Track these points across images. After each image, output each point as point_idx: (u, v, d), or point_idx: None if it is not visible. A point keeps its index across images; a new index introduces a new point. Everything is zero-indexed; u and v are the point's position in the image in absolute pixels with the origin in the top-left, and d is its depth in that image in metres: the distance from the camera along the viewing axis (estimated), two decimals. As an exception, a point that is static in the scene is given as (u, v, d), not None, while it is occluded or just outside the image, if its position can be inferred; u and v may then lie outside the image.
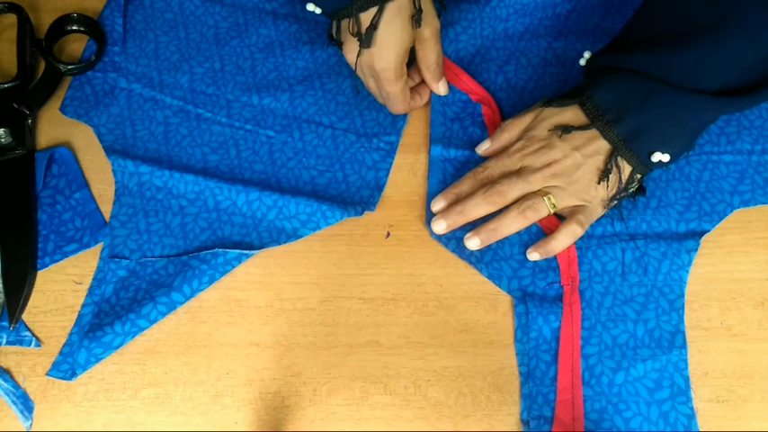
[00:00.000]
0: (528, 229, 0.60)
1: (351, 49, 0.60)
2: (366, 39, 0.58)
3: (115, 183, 0.61)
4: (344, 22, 0.59)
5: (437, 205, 0.60)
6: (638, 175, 0.58)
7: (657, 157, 0.56)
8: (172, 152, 0.63)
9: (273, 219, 0.60)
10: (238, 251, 0.58)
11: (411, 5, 0.58)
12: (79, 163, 0.62)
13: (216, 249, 0.58)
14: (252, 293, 0.58)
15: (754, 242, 0.60)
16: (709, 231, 0.60)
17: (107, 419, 0.54)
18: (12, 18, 0.67)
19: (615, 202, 0.59)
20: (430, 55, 0.62)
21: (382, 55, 0.58)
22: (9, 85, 0.63)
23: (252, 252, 0.58)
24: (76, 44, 0.68)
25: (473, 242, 0.58)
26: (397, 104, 0.63)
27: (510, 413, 0.54)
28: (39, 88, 0.64)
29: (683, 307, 0.57)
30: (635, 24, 0.58)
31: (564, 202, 0.57)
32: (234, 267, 0.58)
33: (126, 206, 0.60)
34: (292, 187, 0.61)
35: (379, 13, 0.57)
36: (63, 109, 0.64)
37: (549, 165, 0.57)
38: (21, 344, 0.55)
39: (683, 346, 0.56)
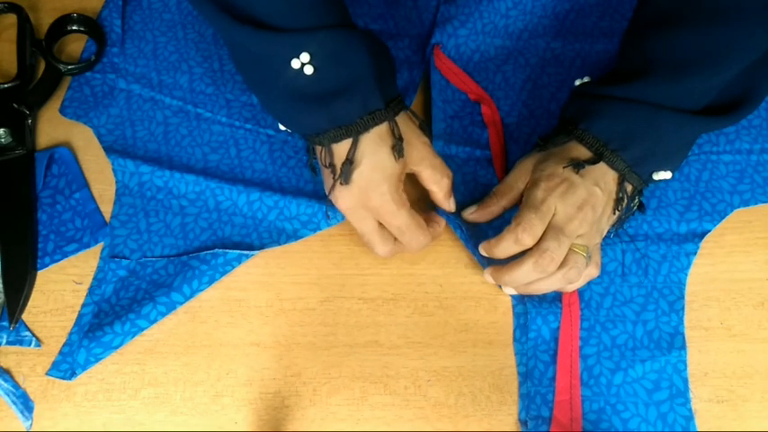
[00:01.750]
0: None
1: (327, 178, 0.55)
2: (343, 174, 0.52)
3: (116, 182, 0.61)
4: (318, 149, 0.55)
5: (488, 273, 0.57)
6: (638, 193, 0.57)
7: (660, 175, 0.56)
8: (172, 152, 0.63)
9: (274, 219, 0.60)
10: (238, 252, 0.58)
11: (390, 135, 0.53)
12: (79, 163, 0.62)
13: (216, 250, 0.58)
14: (252, 293, 0.58)
15: (754, 242, 0.60)
16: (710, 231, 0.60)
17: (107, 419, 0.54)
18: (12, 18, 0.67)
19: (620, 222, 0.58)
20: (434, 174, 0.56)
21: (373, 190, 0.52)
22: (9, 85, 0.63)
23: (252, 252, 0.58)
24: (76, 44, 0.68)
25: (509, 290, 0.57)
26: (415, 237, 0.55)
27: (510, 413, 0.54)
28: (39, 88, 0.64)
29: (682, 309, 0.57)
30: (623, 55, 0.58)
31: (591, 243, 0.55)
32: (234, 268, 0.58)
33: (126, 206, 0.60)
34: (293, 187, 0.61)
35: (354, 146, 0.52)
36: (62, 110, 0.64)
37: (580, 207, 0.53)
38: (21, 344, 0.55)
39: (683, 347, 0.56)
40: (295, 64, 0.50)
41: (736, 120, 0.56)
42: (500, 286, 0.58)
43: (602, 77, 0.58)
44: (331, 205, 0.55)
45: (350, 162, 0.52)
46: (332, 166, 0.53)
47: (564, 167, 0.54)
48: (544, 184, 0.54)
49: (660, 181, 0.57)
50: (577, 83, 0.61)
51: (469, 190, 0.62)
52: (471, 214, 0.60)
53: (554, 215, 0.54)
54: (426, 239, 0.56)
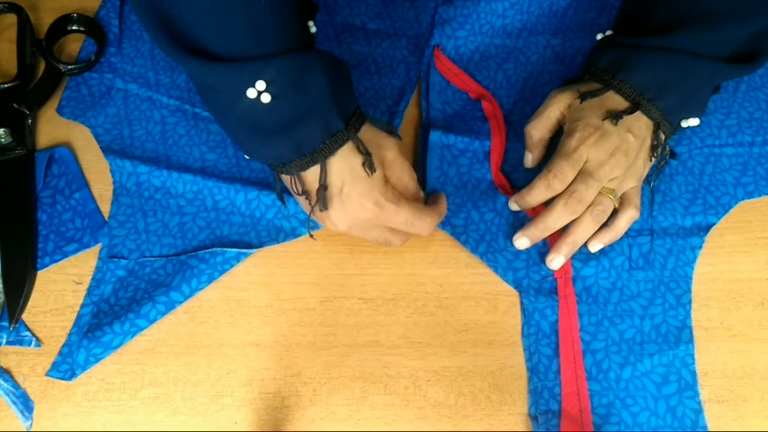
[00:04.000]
0: (522, 222, 0.60)
1: (304, 205, 0.55)
2: (320, 201, 0.52)
3: (113, 183, 0.61)
4: (286, 178, 0.54)
5: (519, 237, 0.58)
6: (667, 140, 0.60)
7: (689, 122, 0.59)
8: (170, 151, 0.63)
9: (272, 218, 0.60)
10: (237, 250, 0.58)
11: (357, 153, 0.52)
12: (79, 163, 0.62)
13: (215, 248, 0.58)
14: (252, 293, 0.58)
15: (754, 242, 0.60)
16: (715, 224, 0.60)
17: (107, 419, 0.54)
18: (12, 18, 0.67)
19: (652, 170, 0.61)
20: (401, 176, 0.55)
21: (366, 201, 0.52)
22: (9, 85, 0.63)
23: (251, 251, 0.58)
24: (76, 44, 0.68)
25: (558, 261, 0.57)
26: (424, 223, 0.55)
27: (510, 413, 0.54)
28: (39, 88, 0.64)
29: (689, 302, 0.57)
30: (653, 9, 0.59)
31: (623, 189, 0.58)
32: (233, 266, 0.58)
33: (124, 206, 0.60)
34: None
35: (324, 171, 0.52)
36: (60, 110, 0.64)
37: (612, 154, 0.56)
38: (21, 344, 0.55)
39: (690, 341, 0.56)
40: (251, 93, 0.49)
41: (756, 67, 0.59)
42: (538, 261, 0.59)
43: (630, 31, 0.61)
44: (313, 225, 0.57)
45: (324, 188, 0.52)
46: (305, 193, 0.53)
47: (603, 120, 0.57)
48: (579, 134, 0.57)
49: (688, 128, 0.60)
50: (599, 37, 0.63)
51: (462, 182, 0.62)
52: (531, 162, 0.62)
53: (586, 162, 0.57)
54: (435, 219, 0.56)
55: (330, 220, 0.54)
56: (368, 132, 0.54)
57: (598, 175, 0.56)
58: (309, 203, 0.54)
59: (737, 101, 0.65)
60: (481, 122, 0.64)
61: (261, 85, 0.49)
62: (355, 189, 0.52)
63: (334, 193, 0.52)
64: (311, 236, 0.59)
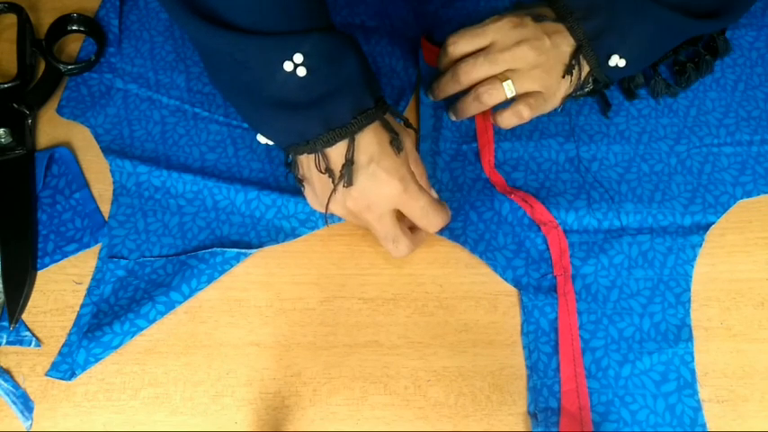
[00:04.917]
0: (520, 220, 0.60)
1: (322, 186, 0.54)
2: (346, 176, 0.52)
3: (113, 183, 0.61)
4: (304, 158, 0.54)
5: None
6: (593, 78, 0.60)
7: (614, 60, 0.59)
8: (169, 152, 0.63)
9: (272, 218, 0.60)
10: (237, 250, 0.58)
11: (385, 130, 0.53)
12: (79, 163, 0.62)
13: (214, 248, 0.58)
14: (252, 293, 0.58)
15: (754, 242, 0.60)
16: (714, 223, 0.60)
17: (107, 419, 0.54)
18: (12, 18, 0.67)
19: (569, 99, 0.62)
20: (416, 167, 0.55)
21: (392, 176, 0.52)
22: (9, 85, 0.63)
23: (250, 251, 0.58)
24: (76, 44, 0.68)
25: (450, 114, 0.64)
26: (438, 214, 0.55)
27: (510, 413, 0.54)
28: (39, 88, 0.64)
29: (689, 301, 0.57)
30: None
31: (524, 85, 0.59)
32: (232, 266, 0.58)
33: (124, 206, 0.60)
34: (291, 185, 0.61)
35: (352, 146, 0.52)
36: (59, 110, 0.64)
37: (519, 43, 0.58)
38: (21, 344, 0.55)
39: (689, 339, 0.56)
40: (288, 66, 0.49)
41: (702, 28, 0.60)
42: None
43: None
44: (330, 213, 0.55)
45: (350, 163, 0.52)
46: (329, 171, 0.53)
47: (524, 15, 0.60)
48: (495, 18, 0.60)
49: (615, 69, 0.59)
50: None
51: (458, 185, 0.62)
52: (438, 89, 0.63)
53: (492, 44, 0.59)
54: (447, 218, 0.56)
55: (351, 196, 0.53)
56: (389, 119, 0.54)
57: (492, 57, 0.58)
58: (332, 182, 0.53)
59: (735, 100, 0.65)
60: (469, 120, 0.64)
61: (298, 57, 0.49)
62: (383, 164, 0.52)
63: (361, 166, 0.52)
64: (327, 223, 0.59)
